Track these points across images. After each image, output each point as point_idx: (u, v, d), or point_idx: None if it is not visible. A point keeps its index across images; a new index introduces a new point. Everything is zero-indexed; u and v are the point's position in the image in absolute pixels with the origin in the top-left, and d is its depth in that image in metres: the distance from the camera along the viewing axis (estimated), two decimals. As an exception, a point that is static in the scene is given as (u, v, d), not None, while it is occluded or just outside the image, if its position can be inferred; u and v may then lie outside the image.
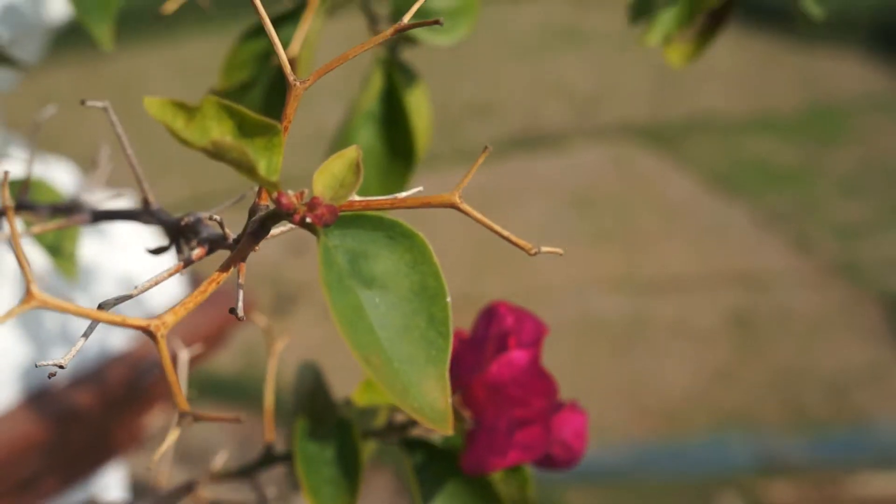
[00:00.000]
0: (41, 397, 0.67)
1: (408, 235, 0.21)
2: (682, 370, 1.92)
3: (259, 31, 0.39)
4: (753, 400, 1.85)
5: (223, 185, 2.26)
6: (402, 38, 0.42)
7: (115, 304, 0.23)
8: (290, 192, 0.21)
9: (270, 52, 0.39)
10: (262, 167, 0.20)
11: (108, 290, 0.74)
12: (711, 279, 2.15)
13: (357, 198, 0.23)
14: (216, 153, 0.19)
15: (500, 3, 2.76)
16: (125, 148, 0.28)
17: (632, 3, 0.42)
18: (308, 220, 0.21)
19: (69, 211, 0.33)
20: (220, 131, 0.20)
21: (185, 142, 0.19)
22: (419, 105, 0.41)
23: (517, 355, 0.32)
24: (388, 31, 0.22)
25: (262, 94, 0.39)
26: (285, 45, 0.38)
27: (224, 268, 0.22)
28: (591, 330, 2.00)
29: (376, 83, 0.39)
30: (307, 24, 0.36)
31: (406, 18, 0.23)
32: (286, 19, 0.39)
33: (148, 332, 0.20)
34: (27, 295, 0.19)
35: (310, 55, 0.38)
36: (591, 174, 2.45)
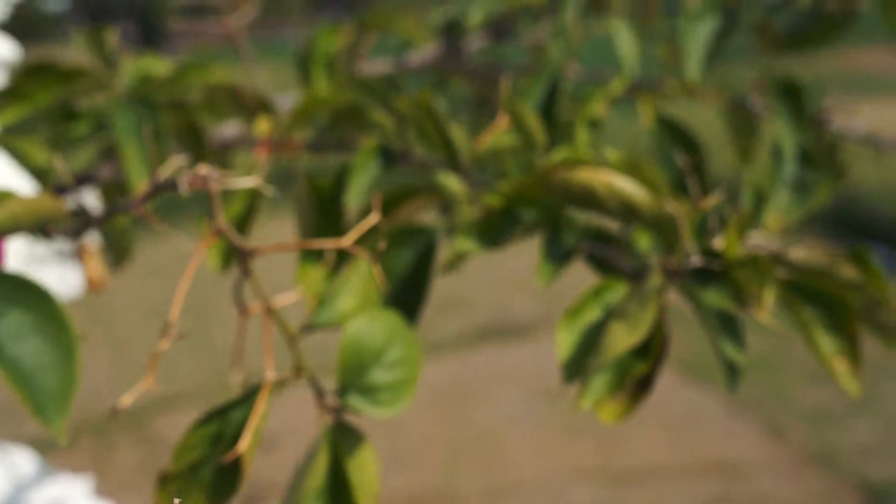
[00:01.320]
0: None
1: None
2: (661, 564, 1.90)
3: (211, 417, 0.42)
4: None
5: (191, 386, 2.27)
6: (346, 407, 0.44)
7: None
8: None
9: (220, 435, 0.41)
10: None
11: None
12: (686, 468, 2.15)
13: None
14: None
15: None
16: None
17: (564, 365, 0.45)
18: None
19: None
20: None
21: None
22: (364, 468, 0.43)
23: None
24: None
25: (210, 474, 0.41)
26: (237, 432, 0.41)
27: None
28: (566, 524, 1.98)
29: (323, 460, 0.42)
30: (258, 416, 0.39)
31: None
32: (238, 404, 0.42)
33: None
34: None
35: (257, 440, 0.41)
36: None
